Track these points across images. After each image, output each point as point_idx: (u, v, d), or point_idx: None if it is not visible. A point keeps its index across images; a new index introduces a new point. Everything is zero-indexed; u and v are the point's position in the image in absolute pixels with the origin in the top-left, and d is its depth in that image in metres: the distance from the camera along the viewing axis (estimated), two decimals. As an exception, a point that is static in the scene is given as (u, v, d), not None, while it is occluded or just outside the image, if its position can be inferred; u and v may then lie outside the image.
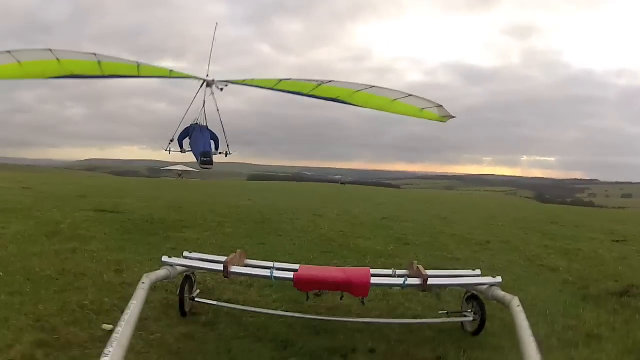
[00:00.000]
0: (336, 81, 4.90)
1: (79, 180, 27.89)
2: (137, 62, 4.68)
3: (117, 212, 9.83)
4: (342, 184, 56.01)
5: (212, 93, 4.58)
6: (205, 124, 4.64)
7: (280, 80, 5.24)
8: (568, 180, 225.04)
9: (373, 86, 4.70)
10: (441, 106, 4.48)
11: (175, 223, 8.83)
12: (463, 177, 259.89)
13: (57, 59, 4.44)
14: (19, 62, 4.31)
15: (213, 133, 4.71)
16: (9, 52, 4.10)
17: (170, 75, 5.02)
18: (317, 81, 4.99)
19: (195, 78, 5.14)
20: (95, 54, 4.52)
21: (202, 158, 4.74)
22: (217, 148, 4.82)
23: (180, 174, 46.03)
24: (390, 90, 4.62)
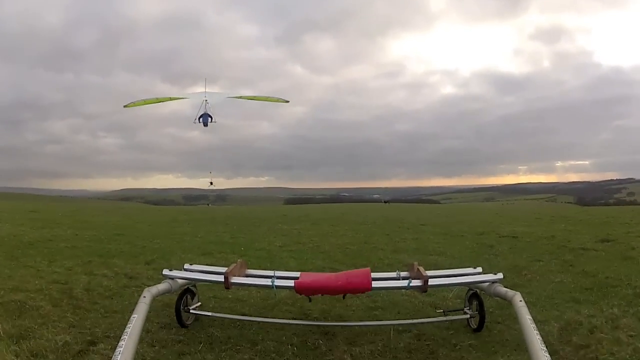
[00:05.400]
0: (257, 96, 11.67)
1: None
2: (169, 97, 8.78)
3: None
4: (385, 202, 55.02)
5: (207, 102, 8.47)
6: (206, 111, 8.53)
7: (242, 95, 11.81)
8: (604, 181, 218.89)
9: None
10: (275, 96, 8.66)
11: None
12: (500, 188, 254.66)
13: (157, 98, 11.93)
14: (144, 100, 11.77)
15: (210, 115, 8.65)
16: (144, 100, 10.52)
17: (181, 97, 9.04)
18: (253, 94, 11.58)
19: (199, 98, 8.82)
20: (170, 97, 12.13)
21: (203, 123, 8.65)
22: (212, 120, 8.77)
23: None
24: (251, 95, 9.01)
